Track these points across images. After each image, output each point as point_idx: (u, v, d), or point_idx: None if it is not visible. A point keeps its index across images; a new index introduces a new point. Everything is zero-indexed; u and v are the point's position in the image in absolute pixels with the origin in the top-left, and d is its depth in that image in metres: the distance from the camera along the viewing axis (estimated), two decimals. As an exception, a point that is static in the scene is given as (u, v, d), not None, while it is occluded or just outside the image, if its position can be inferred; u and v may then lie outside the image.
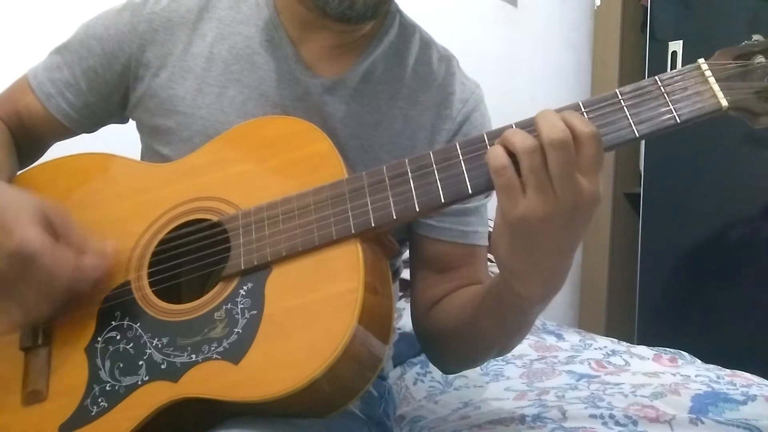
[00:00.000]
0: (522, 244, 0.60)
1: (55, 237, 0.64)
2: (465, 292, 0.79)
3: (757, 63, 0.62)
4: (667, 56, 2.25)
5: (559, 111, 0.60)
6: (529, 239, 0.60)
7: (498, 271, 0.67)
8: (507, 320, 0.71)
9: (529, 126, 0.61)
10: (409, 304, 0.88)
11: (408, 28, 0.86)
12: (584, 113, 0.62)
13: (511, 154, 0.58)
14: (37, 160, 0.89)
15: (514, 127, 0.62)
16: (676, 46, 2.24)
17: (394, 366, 1.31)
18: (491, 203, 0.63)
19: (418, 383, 1.30)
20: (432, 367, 1.35)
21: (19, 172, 0.83)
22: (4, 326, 0.67)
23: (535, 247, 0.60)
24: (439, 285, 0.82)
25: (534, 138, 0.58)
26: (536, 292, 0.65)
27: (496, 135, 0.62)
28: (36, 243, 0.62)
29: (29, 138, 0.86)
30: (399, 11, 0.86)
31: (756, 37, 0.63)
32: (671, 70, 0.63)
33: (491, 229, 0.65)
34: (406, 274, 1.84)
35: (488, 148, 0.62)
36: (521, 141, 0.58)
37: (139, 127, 0.86)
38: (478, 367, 1.37)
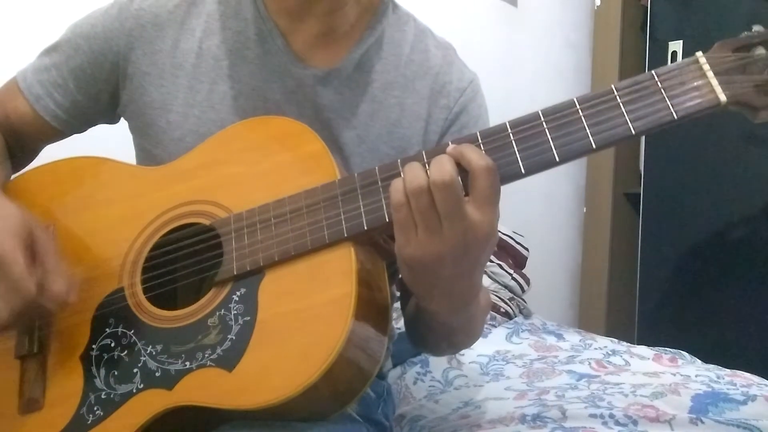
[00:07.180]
0: (418, 276, 0.63)
1: (33, 255, 0.65)
2: None
3: (757, 55, 0.60)
4: (667, 56, 2.24)
5: (459, 142, 0.62)
6: (423, 272, 0.62)
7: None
8: (432, 327, 0.74)
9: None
10: None
11: (402, 17, 0.85)
12: (481, 145, 0.62)
13: None
14: (29, 163, 0.88)
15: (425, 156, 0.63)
16: (676, 46, 2.23)
17: (394, 366, 1.30)
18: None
19: (418, 383, 1.30)
20: (432, 367, 1.35)
21: (12, 177, 0.82)
22: None
23: (431, 277, 0.63)
24: None
25: (424, 177, 0.59)
26: (442, 308, 0.68)
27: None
28: (9, 255, 0.62)
29: (20, 141, 0.85)
30: (392, 1, 0.85)
31: (756, 27, 0.62)
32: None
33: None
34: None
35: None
36: (409, 181, 0.59)
37: (131, 127, 0.85)
38: (479, 366, 1.37)
